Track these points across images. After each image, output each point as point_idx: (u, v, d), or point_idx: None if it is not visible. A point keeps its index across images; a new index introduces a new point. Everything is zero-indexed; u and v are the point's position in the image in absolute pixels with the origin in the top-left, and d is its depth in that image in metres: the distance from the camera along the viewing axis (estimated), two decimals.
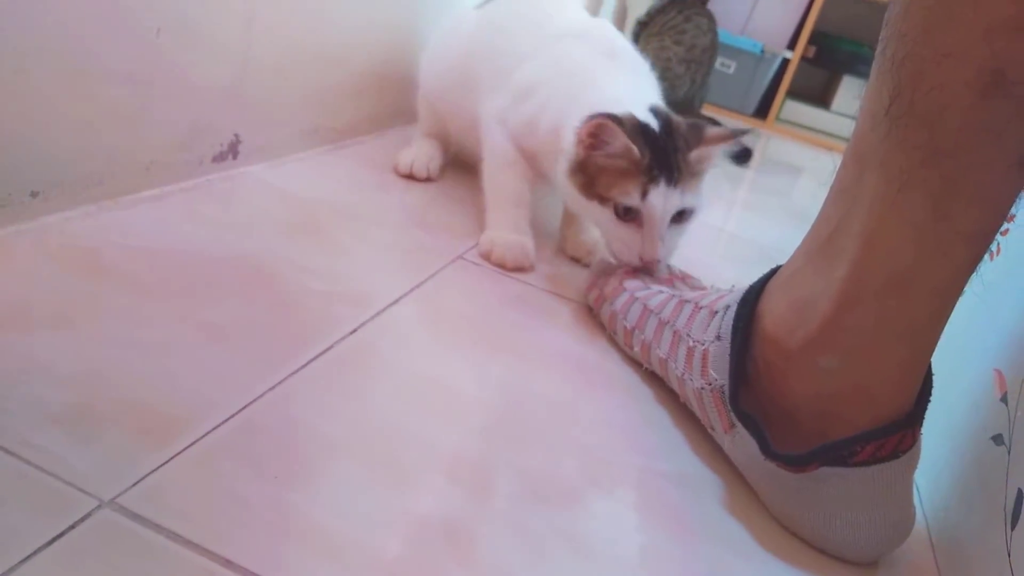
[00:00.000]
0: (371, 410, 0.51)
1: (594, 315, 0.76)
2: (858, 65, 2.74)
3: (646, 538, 0.47)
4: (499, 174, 0.88)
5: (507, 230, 0.83)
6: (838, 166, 0.51)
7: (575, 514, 0.47)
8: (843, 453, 0.48)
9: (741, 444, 0.54)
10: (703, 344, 0.58)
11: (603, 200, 0.75)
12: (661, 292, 0.70)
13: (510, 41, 0.91)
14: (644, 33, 1.90)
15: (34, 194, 0.61)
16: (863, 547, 0.50)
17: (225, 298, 0.59)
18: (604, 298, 0.74)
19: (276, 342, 0.55)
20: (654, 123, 0.76)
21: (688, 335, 0.61)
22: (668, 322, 0.64)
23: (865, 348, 0.49)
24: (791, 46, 2.53)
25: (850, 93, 2.79)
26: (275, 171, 0.88)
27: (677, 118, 0.78)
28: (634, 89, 0.83)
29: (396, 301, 0.67)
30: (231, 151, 0.82)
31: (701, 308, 0.62)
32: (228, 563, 0.36)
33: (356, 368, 0.55)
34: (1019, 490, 0.47)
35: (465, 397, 0.56)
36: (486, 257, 0.81)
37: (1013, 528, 0.47)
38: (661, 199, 0.73)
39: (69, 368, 0.46)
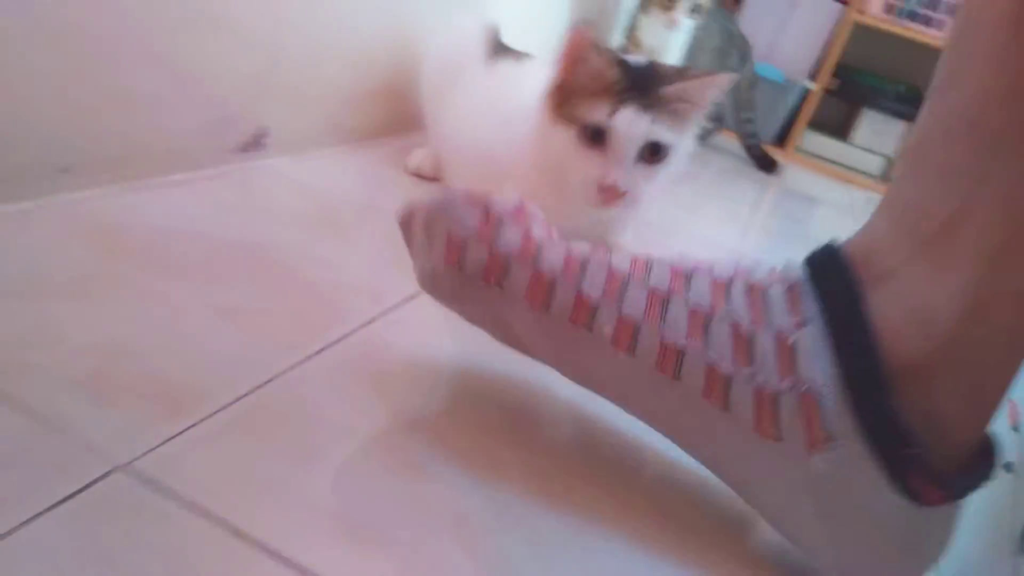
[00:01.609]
0: (384, 400, 0.51)
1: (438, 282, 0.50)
2: (879, 100, 2.74)
3: None
4: None
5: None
6: (923, 139, 0.44)
7: (586, 513, 0.47)
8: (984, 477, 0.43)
9: (837, 465, 0.43)
10: (777, 330, 0.45)
11: (570, 121, 0.72)
12: (600, 246, 0.52)
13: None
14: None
15: (64, 170, 0.62)
16: None
17: (242, 282, 0.60)
18: (499, 255, 0.48)
19: (290, 328, 0.56)
20: (638, 59, 0.75)
21: (729, 314, 0.46)
22: (671, 293, 0.47)
23: (992, 365, 0.43)
24: (813, 76, 2.54)
25: (870, 128, 2.78)
26: (298, 165, 0.89)
27: (662, 63, 0.77)
28: None
29: (411, 297, 0.67)
30: (256, 142, 0.83)
31: (728, 280, 0.48)
32: (238, 532, 0.36)
33: (370, 358, 0.55)
34: None
35: (479, 394, 0.56)
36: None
37: (1022, 554, 0.46)
38: (628, 120, 0.70)
39: (87, 337, 0.47)
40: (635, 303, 0.46)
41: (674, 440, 0.48)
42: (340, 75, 0.96)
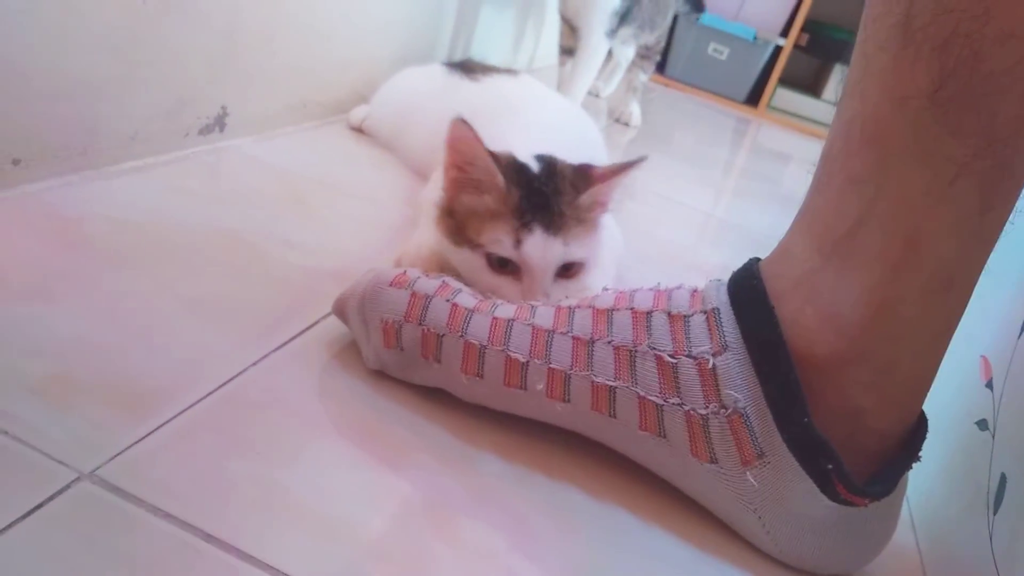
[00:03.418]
0: (357, 388, 0.51)
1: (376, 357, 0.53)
2: (850, 54, 2.73)
3: None
4: None
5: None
6: (829, 149, 0.47)
7: (564, 493, 0.47)
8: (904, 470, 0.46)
9: (770, 479, 0.45)
10: (696, 358, 0.46)
11: (474, 246, 0.62)
12: (522, 305, 0.54)
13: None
14: None
15: (15, 162, 0.59)
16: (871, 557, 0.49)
17: (209, 272, 0.58)
18: (430, 333, 0.51)
19: (260, 317, 0.55)
20: (534, 165, 0.65)
21: (652, 347, 0.48)
22: (594, 339, 0.49)
23: (904, 357, 0.45)
24: (784, 33, 2.53)
25: (842, 82, 2.79)
26: (262, 145, 0.87)
27: (563, 163, 0.66)
28: (523, 139, 0.70)
29: None
30: (218, 124, 0.81)
31: (648, 311, 0.49)
32: (209, 537, 0.36)
33: (341, 345, 0.55)
34: (1002, 474, 0.48)
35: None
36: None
37: (995, 512, 0.47)
38: (539, 249, 0.61)
39: (48, 339, 0.45)
40: (561, 354, 0.49)
41: (632, 458, 0.51)
42: (301, 51, 0.93)
